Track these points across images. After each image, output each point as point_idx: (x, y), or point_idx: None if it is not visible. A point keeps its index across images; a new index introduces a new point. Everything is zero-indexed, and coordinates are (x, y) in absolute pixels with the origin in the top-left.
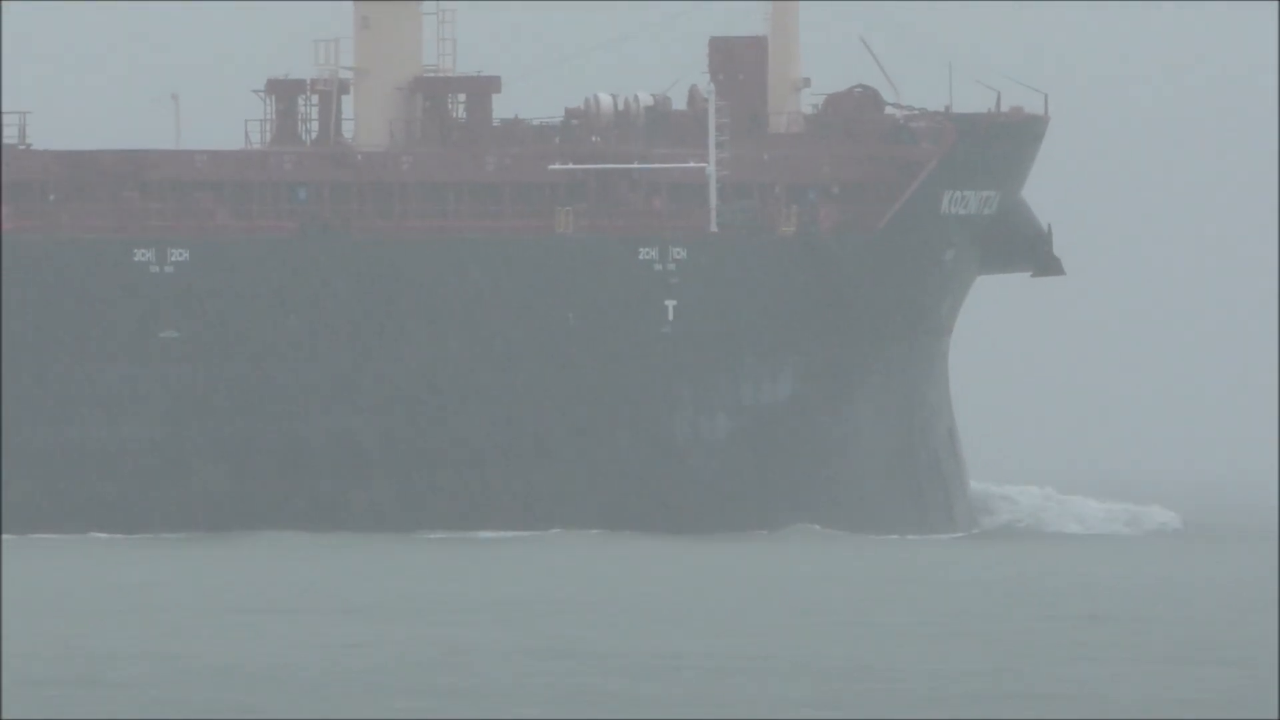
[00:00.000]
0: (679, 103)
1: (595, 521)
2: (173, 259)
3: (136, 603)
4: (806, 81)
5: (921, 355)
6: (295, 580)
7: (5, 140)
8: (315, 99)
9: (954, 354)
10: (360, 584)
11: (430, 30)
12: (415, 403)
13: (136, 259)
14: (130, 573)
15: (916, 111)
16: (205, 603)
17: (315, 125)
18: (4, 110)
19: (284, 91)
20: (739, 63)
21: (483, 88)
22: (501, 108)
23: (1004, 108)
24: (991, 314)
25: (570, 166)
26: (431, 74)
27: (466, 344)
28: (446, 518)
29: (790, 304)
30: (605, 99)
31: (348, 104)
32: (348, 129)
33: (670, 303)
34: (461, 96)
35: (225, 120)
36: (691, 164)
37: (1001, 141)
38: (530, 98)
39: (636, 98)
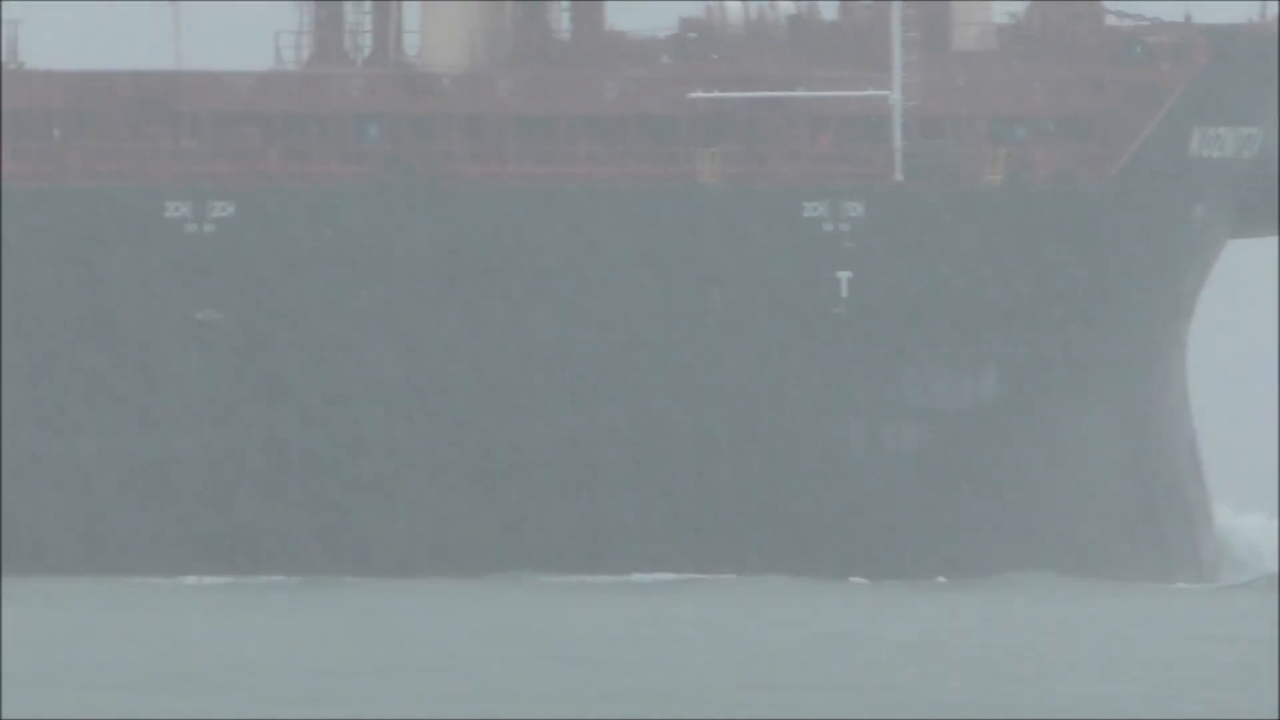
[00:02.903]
0: (827, 9)
1: (737, 563)
2: (214, 214)
3: None
4: None
5: (1160, 345)
6: None
7: None
8: (368, 5)
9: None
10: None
11: None
12: (510, 403)
13: (169, 214)
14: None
15: (1149, 22)
16: None
17: (368, 39)
18: None
19: None
20: None
21: None
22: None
23: (1270, 16)
24: (1241, 290)
25: (717, 95)
26: None
27: (579, 326)
28: (537, 555)
29: (997, 276)
30: (733, 6)
31: (410, 11)
32: (411, 44)
33: (844, 274)
34: (565, 3)
35: (243, 32)
36: (870, 92)
37: (1268, 62)
38: (637, 6)
39: (774, 4)
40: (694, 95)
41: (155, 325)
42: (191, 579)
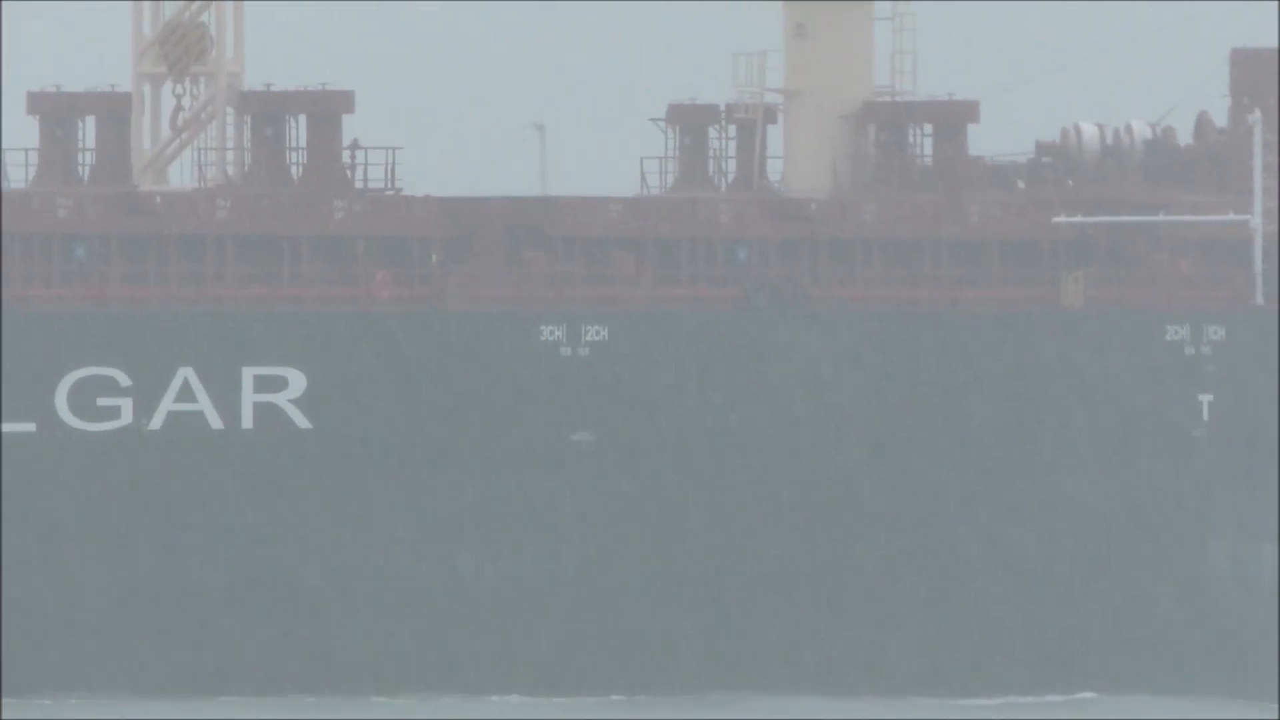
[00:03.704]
0: (1182, 133)
1: (1102, 682)
2: (588, 338)
3: None
4: None
5: None
6: None
7: (371, 184)
8: (733, 129)
9: None
10: None
11: (884, 40)
12: (870, 523)
13: (544, 338)
14: None
15: None
16: None
17: (732, 163)
18: (367, 146)
19: (691, 120)
20: (1269, 82)
21: (957, 116)
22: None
23: None
24: None
25: (1081, 219)
26: (887, 97)
27: (940, 448)
28: (887, 676)
29: None
30: (1090, 130)
31: (774, 135)
32: (774, 167)
33: (1205, 397)
34: (927, 127)
35: (607, 155)
36: (1232, 216)
37: None
38: (994, 127)
39: (1130, 128)
40: (1058, 219)
41: (530, 447)
42: (567, 699)
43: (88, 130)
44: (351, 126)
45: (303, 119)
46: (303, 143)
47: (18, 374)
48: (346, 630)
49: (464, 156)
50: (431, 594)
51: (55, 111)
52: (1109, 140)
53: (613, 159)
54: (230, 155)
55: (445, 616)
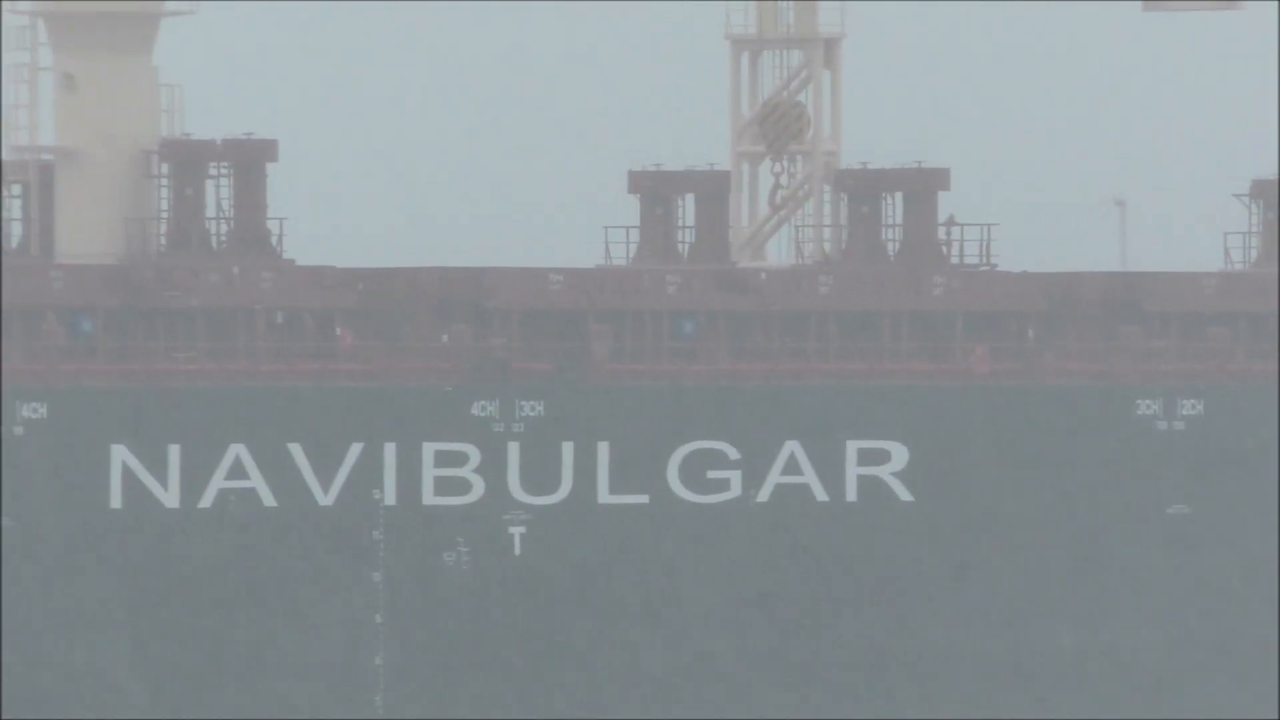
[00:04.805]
0: None
1: None
2: (1183, 411)
3: None
4: None
5: None
6: None
7: (967, 260)
8: None
9: None
10: None
11: None
12: None
13: (1140, 412)
14: None
15: None
16: None
17: None
18: (963, 223)
19: (1276, 195)
20: None
21: None
22: None
23: None
24: None
25: None
26: None
27: None
28: None
29: None
30: None
31: None
32: None
33: None
34: None
35: (1188, 230)
36: None
37: None
38: None
39: None
40: None
41: (1127, 519)
42: None
43: (687, 208)
44: (945, 203)
45: (898, 196)
46: (898, 219)
47: (631, 447)
48: (934, 701)
49: (1052, 231)
50: (1030, 666)
51: (656, 190)
52: None
53: (1194, 234)
54: (827, 232)
55: (1044, 688)
